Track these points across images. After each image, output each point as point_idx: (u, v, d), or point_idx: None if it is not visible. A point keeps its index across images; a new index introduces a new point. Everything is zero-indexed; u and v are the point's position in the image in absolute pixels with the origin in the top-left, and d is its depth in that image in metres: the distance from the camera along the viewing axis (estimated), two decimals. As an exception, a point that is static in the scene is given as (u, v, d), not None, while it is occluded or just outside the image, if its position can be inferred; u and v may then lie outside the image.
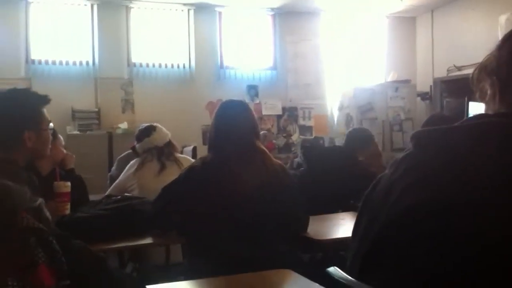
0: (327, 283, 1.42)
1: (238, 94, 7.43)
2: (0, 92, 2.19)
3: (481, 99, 1.18)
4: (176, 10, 7.46)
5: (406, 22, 8.44)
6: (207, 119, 7.50)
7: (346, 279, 1.30)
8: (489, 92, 1.15)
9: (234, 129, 2.41)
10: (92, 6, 7.02)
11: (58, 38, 6.91)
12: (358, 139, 4.09)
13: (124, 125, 6.74)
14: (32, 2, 6.76)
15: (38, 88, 6.31)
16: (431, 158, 1.04)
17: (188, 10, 7.46)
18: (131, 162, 3.42)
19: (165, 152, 3.36)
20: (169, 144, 3.49)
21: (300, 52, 7.96)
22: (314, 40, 8.03)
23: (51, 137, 2.16)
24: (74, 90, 6.81)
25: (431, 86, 8.08)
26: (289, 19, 7.89)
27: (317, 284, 1.53)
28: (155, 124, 3.58)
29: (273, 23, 7.93)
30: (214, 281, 1.70)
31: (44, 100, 2.13)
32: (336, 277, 1.32)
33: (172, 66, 7.42)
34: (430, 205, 1.03)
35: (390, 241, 1.13)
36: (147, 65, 7.29)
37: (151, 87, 7.22)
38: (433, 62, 8.06)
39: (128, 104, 7.11)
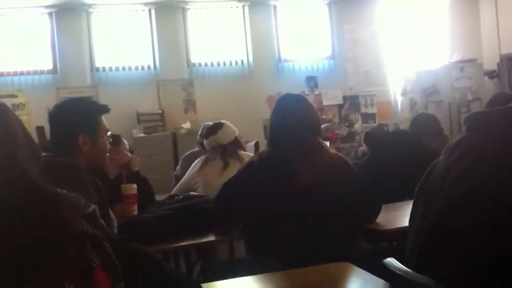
0: (385, 275, 1.39)
1: (297, 86, 7.39)
2: (64, 100, 2.38)
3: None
4: (231, 7, 7.53)
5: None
6: (268, 114, 7.47)
7: (403, 271, 1.26)
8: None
9: (290, 124, 2.40)
10: (150, 10, 7.20)
11: (120, 45, 7.15)
12: (424, 124, 3.95)
13: (187, 125, 6.88)
14: (93, 11, 7.02)
15: (104, 94, 6.60)
16: (486, 141, 0.99)
17: (243, 6, 7.50)
18: (196, 161, 3.48)
19: (229, 150, 3.37)
20: (235, 141, 3.50)
21: (358, 39, 7.82)
22: (372, 26, 7.85)
23: (108, 145, 2.23)
24: (138, 94, 7.03)
25: (498, 63, 7.71)
26: (344, 6, 7.76)
27: (375, 276, 1.50)
28: (222, 121, 3.57)
29: (329, 12, 7.85)
30: (273, 276, 1.70)
31: (103, 108, 2.21)
32: (393, 269, 1.29)
33: (231, 63, 7.50)
34: (489, 189, 0.99)
35: (448, 230, 1.09)
36: (206, 65, 7.40)
37: (211, 86, 7.32)
38: (499, 39, 7.69)
39: (189, 104, 7.25)
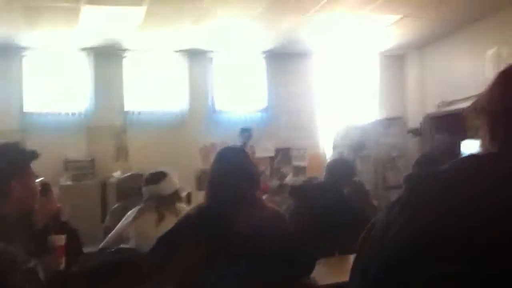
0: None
1: (231, 136, 7.46)
2: None
3: (473, 136, 1.19)
4: (169, 57, 7.55)
5: (396, 60, 8.56)
6: (201, 164, 7.50)
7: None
8: (480, 131, 1.16)
9: (227, 178, 2.40)
10: (87, 56, 7.08)
11: (51, 89, 6.98)
12: (340, 171, 4.00)
13: (118, 174, 6.70)
14: (26, 55, 6.84)
15: (32, 139, 6.34)
16: (424, 200, 1.04)
17: (181, 57, 7.55)
18: (130, 211, 3.37)
19: (166, 202, 3.28)
20: (175, 194, 3.42)
21: (292, 93, 8.03)
22: (306, 81, 8.11)
23: (38, 192, 2.15)
24: (67, 140, 6.83)
25: (420, 122, 8.14)
26: (281, 61, 7.99)
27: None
28: (166, 171, 3.46)
29: (265, 66, 8.03)
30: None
31: (32, 155, 2.14)
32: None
33: (166, 111, 7.46)
34: (423, 242, 1.03)
35: (387, 282, 1.12)
36: (139, 113, 7.33)
37: (145, 134, 7.24)
38: (423, 98, 8.15)
39: (121, 152, 7.11)
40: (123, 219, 3.35)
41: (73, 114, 7.00)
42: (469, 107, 1.20)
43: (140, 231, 3.22)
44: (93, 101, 7.07)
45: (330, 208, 3.32)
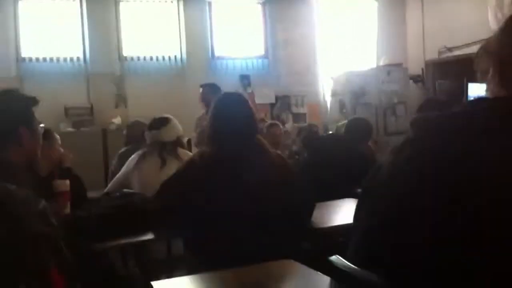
0: (329, 272, 1.42)
1: (230, 84, 7.41)
2: None
3: (482, 80, 1.19)
4: (166, 1, 7.41)
5: (396, 5, 8.42)
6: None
7: (350, 268, 1.30)
8: (490, 73, 1.15)
9: (231, 124, 2.40)
10: (80, 0, 6.95)
11: (48, 35, 6.85)
12: (359, 130, 4.11)
13: (117, 120, 6.72)
14: (21, -1, 6.71)
15: (30, 86, 6.31)
16: (435, 147, 1.04)
17: (178, 1, 7.41)
18: (132, 156, 3.39)
19: (168, 148, 3.30)
20: (177, 141, 3.42)
21: (291, 39, 7.93)
22: (305, 27, 8.00)
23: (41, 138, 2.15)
24: (66, 87, 6.77)
25: (422, 68, 8.09)
26: (279, 6, 7.85)
27: (318, 273, 1.54)
28: (169, 117, 3.46)
29: (263, 11, 7.90)
30: (219, 274, 1.70)
31: (34, 101, 2.12)
32: (340, 266, 1.32)
33: (164, 58, 7.38)
34: (435, 193, 1.03)
35: (393, 230, 1.13)
36: (138, 59, 7.25)
37: (143, 81, 7.18)
38: (424, 44, 8.07)
39: (120, 99, 7.08)
40: (126, 164, 3.38)
41: (71, 60, 6.92)
42: (478, 50, 1.19)
43: (142, 176, 3.26)
44: (90, 47, 6.97)
45: (342, 160, 3.35)
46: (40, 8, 6.85)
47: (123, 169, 3.39)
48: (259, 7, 7.89)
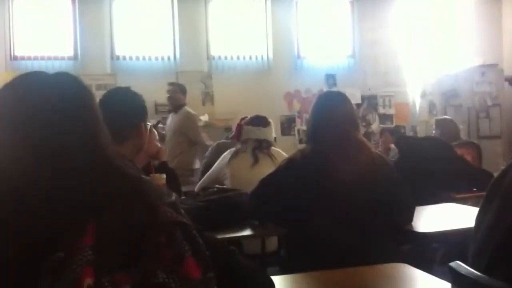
0: (451, 278, 1.36)
1: (315, 83, 7.38)
2: (112, 89, 2.44)
3: None
4: (254, 1, 7.48)
5: (492, 3, 8.03)
6: (285, 110, 7.52)
7: (474, 275, 1.23)
8: None
9: (332, 121, 2.38)
10: (172, 2, 7.16)
11: (141, 34, 7.12)
12: (450, 130, 3.99)
13: (205, 117, 6.86)
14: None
15: (123, 83, 6.53)
16: None
17: (266, 0, 7.45)
18: (225, 153, 3.43)
19: (262, 146, 3.32)
20: (270, 141, 3.44)
21: (378, 39, 7.75)
22: (393, 27, 7.80)
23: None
24: (157, 84, 6.97)
25: (519, 69, 7.66)
26: (367, 5, 7.71)
27: (437, 278, 1.47)
28: (269, 120, 3.50)
29: (351, 10, 7.79)
30: (326, 273, 1.67)
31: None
32: (463, 273, 1.26)
33: (250, 58, 7.45)
34: None
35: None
36: (225, 58, 7.36)
37: (230, 79, 7.28)
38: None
39: (207, 97, 7.22)
40: (219, 160, 3.41)
41: (162, 59, 7.14)
42: None
43: (235, 172, 3.28)
44: (180, 46, 7.16)
45: (438, 160, 3.24)
46: (133, 8, 7.13)
47: (216, 165, 3.43)
48: (347, 5, 7.78)
